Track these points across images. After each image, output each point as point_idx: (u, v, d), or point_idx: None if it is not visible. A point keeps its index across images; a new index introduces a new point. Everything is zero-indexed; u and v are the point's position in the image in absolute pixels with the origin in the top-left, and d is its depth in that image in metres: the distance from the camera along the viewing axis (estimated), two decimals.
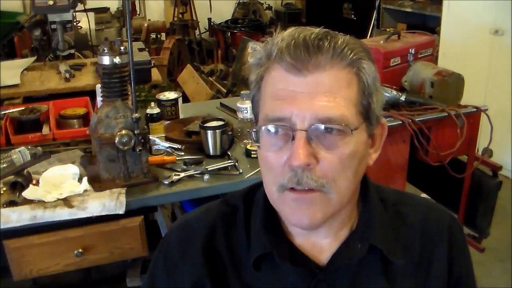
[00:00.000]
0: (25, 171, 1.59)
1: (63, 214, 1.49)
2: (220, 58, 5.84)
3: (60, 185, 1.60)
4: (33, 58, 3.01)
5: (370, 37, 4.49)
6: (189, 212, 0.94)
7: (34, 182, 1.59)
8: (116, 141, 1.54)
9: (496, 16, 3.44)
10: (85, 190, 1.57)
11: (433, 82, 2.05)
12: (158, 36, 5.55)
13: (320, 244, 0.81)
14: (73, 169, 1.66)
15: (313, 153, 0.70)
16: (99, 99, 1.79)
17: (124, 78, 1.57)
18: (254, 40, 3.37)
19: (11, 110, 2.11)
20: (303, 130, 0.69)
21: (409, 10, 4.82)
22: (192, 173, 1.69)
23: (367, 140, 0.76)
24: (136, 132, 1.55)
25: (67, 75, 2.68)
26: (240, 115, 1.94)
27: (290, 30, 0.73)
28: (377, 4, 4.90)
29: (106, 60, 1.54)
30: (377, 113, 0.76)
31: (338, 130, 0.70)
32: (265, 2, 6.56)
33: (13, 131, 1.99)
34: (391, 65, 2.10)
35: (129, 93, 1.59)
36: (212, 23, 6.24)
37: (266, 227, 0.80)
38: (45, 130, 2.00)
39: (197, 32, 5.86)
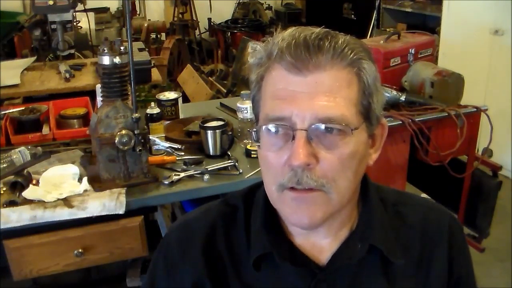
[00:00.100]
0: (25, 171, 1.59)
1: (63, 214, 1.49)
2: (220, 58, 5.84)
3: (60, 185, 1.60)
4: (33, 58, 3.01)
5: (370, 37, 4.49)
6: (189, 212, 0.94)
7: (34, 182, 1.59)
8: (116, 141, 1.54)
9: (496, 16, 3.44)
10: (85, 190, 1.57)
11: (433, 82, 2.05)
12: (158, 36, 5.55)
13: (320, 244, 0.81)
14: (73, 169, 1.66)
15: (313, 153, 0.70)
16: (99, 99, 1.79)
17: (124, 78, 1.57)
18: (254, 40, 3.37)
19: (11, 110, 2.11)
20: (303, 129, 0.69)
21: (409, 10, 4.82)
22: (192, 173, 1.69)
23: (367, 140, 0.76)
24: (136, 132, 1.55)
25: (67, 75, 2.68)
26: (240, 115, 1.94)
27: (291, 30, 0.73)
28: (377, 4, 4.90)
29: (106, 60, 1.54)
30: (378, 113, 0.76)
31: (338, 130, 0.70)
32: (265, 2, 6.56)
33: (13, 131, 1.99)
34: (391, 65, 2.10)
35: (129, 93, 1.59)
36: (212, 23, 6.24)
37: (266, 227, 0.80)
38: (45, 130, 2.00)
39: (197, 32, 5.86)
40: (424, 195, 2.27)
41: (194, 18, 5.69)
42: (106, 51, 1.53)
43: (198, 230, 0.85)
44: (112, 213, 1.52)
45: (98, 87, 1.74)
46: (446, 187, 2.22)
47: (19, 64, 2.92)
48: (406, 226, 0.86)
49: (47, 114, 2.12)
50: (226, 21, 6.24)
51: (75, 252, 1.55)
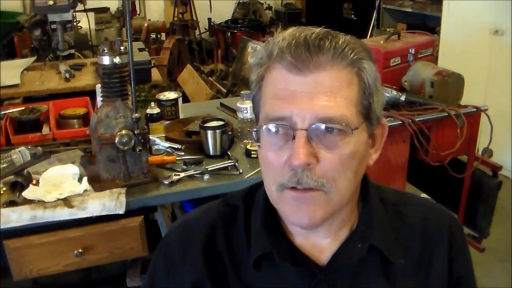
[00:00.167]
0: (25, 171, 1.59)
1: (63, 214, 1.49)
2: (220, 58, 5.84)
3: (60, 185, 1.60)
4: (33, 58, 3.01)
5: (370, 37, 4.49)
6: (189, 212, 0.94)
7: (34, 182, 1.59)
8: (116, 141, 1.54)
9: (496, 16, 3.44)
10: (85, 190, 1.57)
11: (433, 82, 2.05)
12: (158, 36, 5.55)
13: (320, 244, 0.81)
14: (73, 169, 1.66)
15: (313, 152, 0.70)
16: (99, 99, 1.79)
17: (124, 78, 1.57)
18: (254, 40, 3.36)
19: (11, 110, 2.11)
20: (304, 129, 0.69)
21: (409, 10, 4.82)
22: (192, 173, 1.69)
23: (367, 140, 0.76)
24: (136, 132, 1.55)
25: (67, 75, 2.68)
26: (240, 115, 1.94)
27: (291, 30, 0.73)
28: (377, 4, 4.90)
29: (106, 60, 1.54)
30: (378, 113, 0.76)
31: (338, 130, 0.70)
32: (265, 2, 6.56)
33: (13, 131, 1.99)
34: (391, 65, 2.10)
35: (129, 93, 1.58)
36: (212, 23, 6.24)
37: (266, 227, 0.80)
38: (45, 130, 2.00)
39: (197, 32, 5.86)
40: (424, 195, 2.27)
41: (194, 18, 5.69)
42: (106, 51, 1.53)
43: (198, 230, 0.85)
44: (112, 213, 1.52)
45: (98, 87, 1.74)
46: (446, 187, 2.22)
47: (19, 64, 2.92)
48: (406, 226, 0.86)
49: (47, 114, 2.12)
50: (226, 21, 6.23)
51: (75, 252, 1.55)
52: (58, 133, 2.00)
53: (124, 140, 1.54)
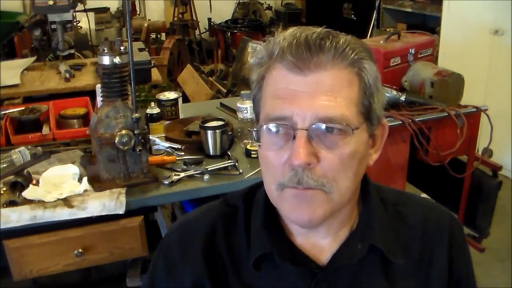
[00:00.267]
0: (25, 171, 1.59)
1: (63, 214, 1.49)
2: (220, 58, 5.84)
3: (60, 185, 1.60)
4: (33, 58, 3.01)
5: (370, 37, 4.49)
6: (189, 212, 0.94)
7: (34, 182, 1.59)
8: (116, 141, 1.54)
9: (496, 16, 3.44)
10: (85, 190, 1.57)
11: (433, 82, 2.05)
12: (158, 36, 5.56)
13: (321, 244, 0.81)
14: (73, 169, 1.66)
15: (313, 152, 0.70)
16: (99, 99, 1.79)
17: (124, 78, 1.57)
18: (254, 40, 3.36)
19: (11, 110, 2.11)
20: (304, 129, 0.69)
21: (409, 10, 4.82)
22: (192, 173, 1.69)
23: (367, 140, 0.76)
24: (136, 132, 1.55)
25: (67, 75, 2.68)
26: (240, 115, 1.94)
27: (292, 30, 0.73)
28: (377, 4, 4.90)
29: (106, 60, 1.54)
30: (378, 113, 0.76)
31: (338, 130, 0.70)
32: (265, 2, 6.56)
33: (13, 131, 1.99)
34: (391, 65, 2.10)
35: (129, 93, 1.58)
36: (212, 23, 6.24)
37: (266, 227, 0.80)
38: (45, 130, 2.00)
39: (197, 32, 5.86)
40: (424, 195, 2.27)
41: (194, 18, 5.70)
42: (106, 51, 1.53)
43: (198, 230, 0.85)
44: (112, 213, 1.52)
45: (98, 87, 1.74)
46: (446, 187, 2.22)
47: (19, 64, 2.92)
48: (406, 226, 0.86)
49: (47, 114, 2.12)
50: (226, 21, 6.24)
51: (75, 252, 1.55)
52: (58, 133, 1.99)
53: (124, 140, 1.54)
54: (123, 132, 1.54)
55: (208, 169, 1.70)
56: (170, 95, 2.08)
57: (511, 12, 3.29)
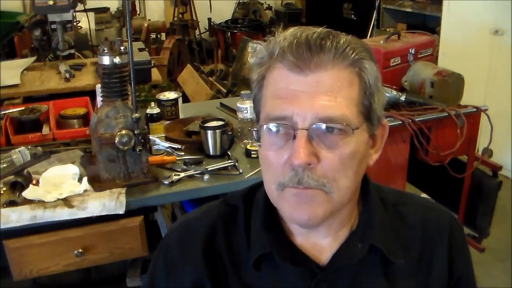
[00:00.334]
0: (25, 171, 1.59)
1: (63, 214, 1.49)
2: (220, 58, 5.84)
3: (60, 185, 1.60)
4: (33, 58, 3.01)
5: (370, 37, 4.49)
6: (189, 212, 0.94)
7: (34, 182, 1.59)
8: (116, 141, 1.54)
9: (496, 16, 3.44)
10: (85, 190, 1.57)
11: (433, 82, 2.05)
12: (158, 36, 5.55)
13: (321, 244, 0.81)
14: (73, 169, 1.66)
15: (314, 152, 0.70)
16: (99, 99, 1.79)
17: (124, 78, 1.57)
18: (254, 40, 3.36)
19: (11, 110, 2.11)
20: (304, 129, 0.69)
21: (409, 10, 4.82)
22: (192, 173, 1.69)
23: (368, 140, 0.76)
24: (136, 132, 1.55)
25: (67, 75, 2.68)
26: (240, 115, 1.94)
27: (293, 30, 0.73)
28: (377, 4, 4.90)
29: (106, 60, 1.54)
30: (379, 113, 0.76)
31: (339, 130, 0.70)
32: (265, 2, 6.56)
33: (13, 131, 1.99)
34: (391, 65, 2.10)
35: (129, 93, 1.58)
36: (212, 23, 6.24)
37: (266, 227, 0.80)
38: (45, 130, 2.00)
39: (197, 32, 5.86)
40: (424, 195, 2.27)
41: (194, 18, 5.69)
42: (106, 51, 1.53)
43: (198, 230, 0.85)
44: (112, 213, 1.52)
45: (98, 87, 1.74)
46: (446, 187, 2.22)
47: (19, 64, 2.92)
48: (406, 226, 0.86)
49: (47, 114, 2.12)
50: (226, 21, 6.23)
51: (75, 252, 1.55)
52: (58, 133, 1.99)
53: (124, 140, 1.54)
54: (123, 132, 1.54)
55: (208, 169, 1.70)
56: (170, 95, 2.08)
57: (511, 12, 3.29)
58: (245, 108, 1.91)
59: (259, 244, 0.80)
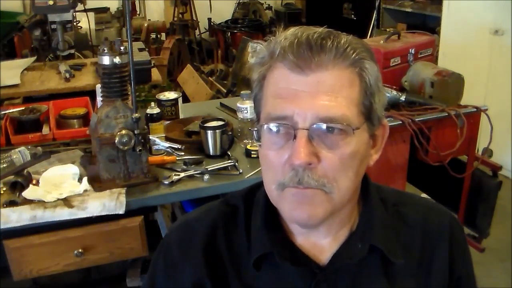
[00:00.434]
0: (25, 171, 1.59)
1: (63, 214, 1.49)
2: (220, 58, 5.84)
3: (60, 185, 1.60)
4: (33, 58, 3.01)
5: (370, 37, 4.49)
6: (189, 212, 0.94)
7: (34, 182, 1.59)
8: (116, 141, 1.54)
9: (496, 16, 3.44)
10: (85, 190, 1.57)
11: (433, 82, 2.05)
12: (158, 36, 5.55)
13: (321, 244, 0.81)
14: (73, 169, 1.66)
15: (314, 152, 0.70)
16: (99, 99, 1.79)
17: (124, 78, 1.57)
18: (254, 40, 3.36)
19: (11, 110, 2.11)
20: (305, 129, 0.69)
21: (409, 10, 4.82)
22: (192, 173, 1.69)
23: (368, 141, 0.76)
24: (136, 132, 1.55)
25: (67, 75, 2.68)
26: (240, 115, 1.94)
27: (293, 29, 0.73)
28: (377, 4, 4.90)
29: (106, 60, 1.54)
30: (379, 113, 0.76)
31: (339, 130, 0.70)
32: (265, 2, 6.56)
33: (13, 131, 1.99)
34: (391, 65, 2.10)
35: (129, 93, 1.58)
36: (212, 23, 6.24)
37: (266, 227, 0.80)
38: (45, 130, 2.00)
39: (197, 32, 5.86)
40: (424, 195, 2.27)
41: (194, 18, 5.69)
42: (106, 51, 1.53)
43: (198, 230, 0.85)
44: (112, 213, 1.52)
45: (98, 87, 1.74)
46: (446, 187, 2.22)
47: (19, 64, 2.92)
48: (406, 226, 0.86)
49: (47, 114, 2.12)
50: (226, 21, 6.24)
51: (75, 252, 1.55)
52: (58, 133, 1.99)
53: (124, 140, 1.54)
54: (123, 132, 1.54)
55: (208, 169, 1.70)
56: (170, 95, 2.08)
57: (511, 12, 3.29)
58: (245, 108, 1.91)
59: (259, 244, 0.80)
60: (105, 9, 5.07)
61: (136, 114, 1.55)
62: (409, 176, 2.07)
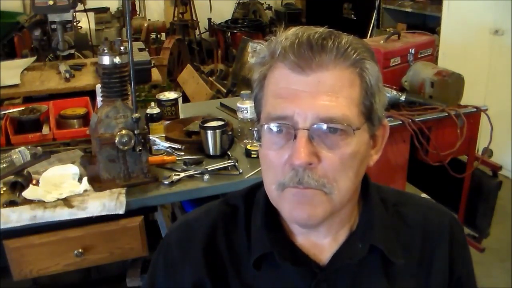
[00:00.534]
0: (25, 171, 1.59)
1: (63, 214, 1.49)
2: (220, 58, 5.84)
3: (60, 185, 1.60)
4: (33, 58, 3.01)
5: (370, 37, 4.49)
6: (189, 212, 0.94)
7: (34, 182, 1.59)
8: (116, 141, 1.54)
9: (496, 16, 3.44)
10: (85, 190, 1.57)
11: (433, 82, 2.05)
12: (158, 36, 5.56)
13: (321, 244, 0.81)
14: (73, 169, 1.66)
15: (314, 152, 0.70)
16: (99, 99, 1.79)
17: (124, 78, 1.57)
18: (254, 40, 3.36)
19: (11, 110, 2.11)
20: (305, 129, 0.69)
21: (409, 10, 4.82)
22: (192, 173, 1.69)
23: (368, 141, 0.76)
24: (136, 132, 1.55)
25: (67, 75, 2.68)
26: (240, 115, 1.94)
27: (294, 29, 0.73)
28: (377, 4, 4.90)
29: (106, 60, 1.54)
30: (379, 114, 0.76)
31: (340, 130, 0.70)
32: (265, 2, 6.56)
33: (13, 131, 1.99)
34: (391, 65, 2.10)
35: (129, 93, 1.58)
36: (212, 23, 6.24)
37: (266, 227, 0.80)
38: (45, 130, 2.00)
39: (197, 32, 5.86)
40: (424, 195, 2.27)
41: (194, 18, 5.69)
42: (106, 51, 1.53)
43: (198, 230, 0.85)
44: (112, 213, 1.52)
45: (98, 87, 1.74)
46: (446, 187, 2.22)
47: (19, 64, 2.92)
48: (406, 226, 0.86)
49: (47, 114, 2.12)
50: (226, 21, 6.23)
51: (75, 252, 1.55)
52: (58, 133, 1.99)
53: (124, 140, 1.54)
54: (123, 132, 1.54)
55: (208, 169, 1.70)
56: (170, 95, 2.08)
57: (511, 12, 3.29)
58: (245, 108, 1.91)
59: (259, 244, 0.80)
60: (105, 9, 5.07)
61: (136, 114, 1.55)
62: (409, 176, 2.07)
